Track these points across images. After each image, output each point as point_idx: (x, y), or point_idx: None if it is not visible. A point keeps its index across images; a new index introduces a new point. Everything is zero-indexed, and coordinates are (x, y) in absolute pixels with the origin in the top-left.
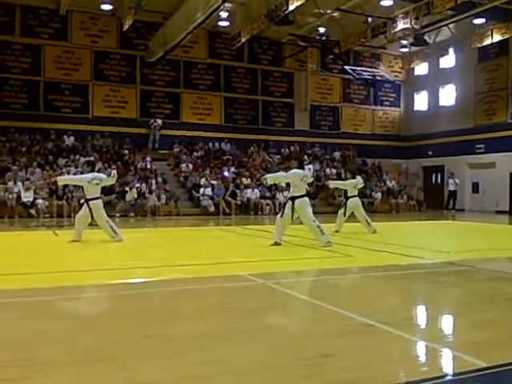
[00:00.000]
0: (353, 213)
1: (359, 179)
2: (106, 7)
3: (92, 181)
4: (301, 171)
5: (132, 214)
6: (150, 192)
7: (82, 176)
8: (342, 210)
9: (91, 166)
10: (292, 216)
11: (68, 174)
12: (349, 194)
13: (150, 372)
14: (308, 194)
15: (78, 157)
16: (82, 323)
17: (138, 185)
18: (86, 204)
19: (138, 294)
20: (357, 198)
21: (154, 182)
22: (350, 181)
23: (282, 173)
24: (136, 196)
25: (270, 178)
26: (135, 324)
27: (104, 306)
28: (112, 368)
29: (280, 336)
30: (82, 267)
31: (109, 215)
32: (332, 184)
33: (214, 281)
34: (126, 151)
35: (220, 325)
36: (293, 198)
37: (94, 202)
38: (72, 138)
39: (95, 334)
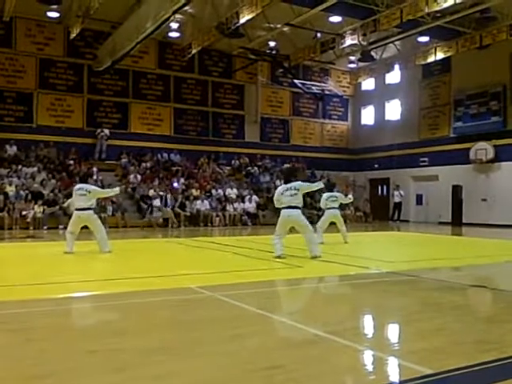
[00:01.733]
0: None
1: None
2: (53, 14)
3: (77, 191)
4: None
5: None
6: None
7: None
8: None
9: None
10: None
11: (10, 185)
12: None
13: None
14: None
15: (20, 167)
16: (21, 339)
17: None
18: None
19: (84, 309)
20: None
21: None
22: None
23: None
24: None
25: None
26: (79, 339)
27: (47, 320)
28: None
29: (229, 349)
30: (25, 281)
31: (51, 228)
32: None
33: (162, 294)
34: (72, 161)
35: (168, 338)
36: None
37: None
38: (15, 148)
39: (34, 350)
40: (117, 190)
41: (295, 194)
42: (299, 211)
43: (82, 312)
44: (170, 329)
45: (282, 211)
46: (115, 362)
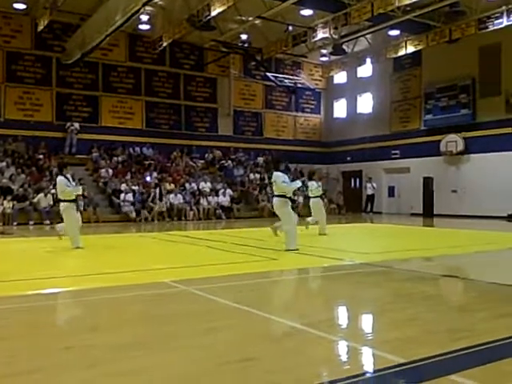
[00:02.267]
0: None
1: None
2: (20, 6)
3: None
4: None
5: (47, 222)
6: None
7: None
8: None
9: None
10: None
11: None
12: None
13: None
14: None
15: None
16: None
17: (53, 191)
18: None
19: (57, 305)
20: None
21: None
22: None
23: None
24: (52, 203)
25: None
26: (53, 335)
27: (20, 317)
28: (24, 382)
29: (203, 342)
30: None
31: (21, 223)
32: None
33: (135, 289)
34: (41, 156)
35: (141, 333)
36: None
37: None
38: None
39: (7, 348)
40: (79, 189)
41: (271, 184)
42: (280, 199)
43: (53, 308)
44: (143, 323)
45: None
46: (89, 358)
